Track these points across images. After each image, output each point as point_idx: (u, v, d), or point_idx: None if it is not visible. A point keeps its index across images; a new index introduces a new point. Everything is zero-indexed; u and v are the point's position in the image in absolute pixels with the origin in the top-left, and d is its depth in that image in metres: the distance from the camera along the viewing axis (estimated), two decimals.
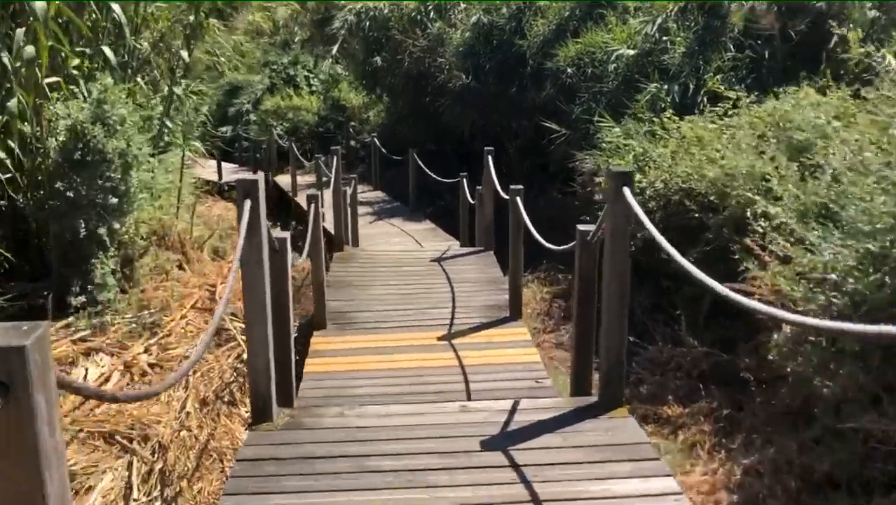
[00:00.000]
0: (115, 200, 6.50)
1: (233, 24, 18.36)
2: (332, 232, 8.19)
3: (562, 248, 4.25)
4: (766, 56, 9.37)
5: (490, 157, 7.61)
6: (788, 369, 4.08)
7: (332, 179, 7.76)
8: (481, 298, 6.24)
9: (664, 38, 9.97)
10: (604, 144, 9.39)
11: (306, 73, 23.19)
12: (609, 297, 3.22)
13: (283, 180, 15.06)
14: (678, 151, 7.16)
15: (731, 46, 9.44)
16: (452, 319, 5.67)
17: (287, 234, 3.86)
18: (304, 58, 23.56)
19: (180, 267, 8.26)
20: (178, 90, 8.62)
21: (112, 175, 6.46)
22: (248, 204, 3.13)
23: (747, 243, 4.74)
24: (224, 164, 19.55)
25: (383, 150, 13.52)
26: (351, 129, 20.14)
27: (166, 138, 8.52)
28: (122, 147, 6.47)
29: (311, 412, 3.56)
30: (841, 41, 9.15)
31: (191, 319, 6.98)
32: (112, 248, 6.75)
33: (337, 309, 5.88)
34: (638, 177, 7.18)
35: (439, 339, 5.28)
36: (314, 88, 22.92)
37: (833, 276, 3.92)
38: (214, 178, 17.93)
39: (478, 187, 8.26)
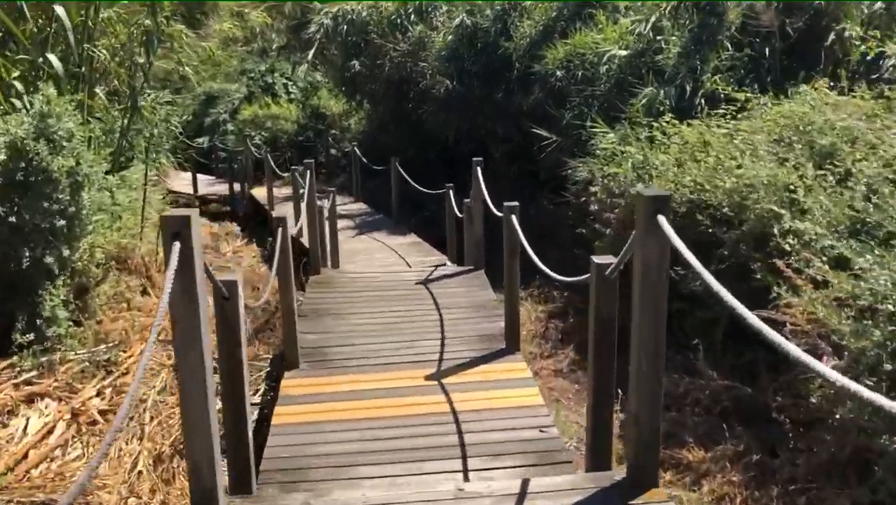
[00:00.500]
0: (63, 224, 5.84)
1: (205, 32, 17.64)
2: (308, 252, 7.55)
3: (572, 280, 3.65)
4: (766, 54, 8.86)
5: (479, 169, 7.02)
6: (837, 416, 3.50)
7: (306, 195, 7.09)
8: (473, 325, 5.63)
9: (658, 37, 9.43)
10: (598, 151, 8.84)
11: (284, 81, 22.54)
12: (641, 346, 2.60)
13: (260, 193, 14.38)
14: (683, 159, 6.60)
15: (729, 45, 8.93)
16: (442, 352, 5.05)
17: (237, 276, 3.15)
18: (281, 65, 22.92)
19: (144, 292, 7.60)
20: (142, 101, 7.96)
21: (60, 196, 5.80)
22: (177, 247, 2.45)
23: (776, 264, 4.16)
24: (200, 177, 18.85)
25: (363, 159, 12.89)
26: (331, 138, 19.52)
27: (128, 153, 7.86)
28: (70, 165, 5.81)
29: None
30: (839, 38, 8.68)
31: (152, 353, 6.32)
32: (63, 277, 6.08)
33: (311, 344, 5.25)
34: (639, 186, 6.61)
35: (427, 378, 4.66)
36: (293, 96, 22.29)
37: (889, 306, 3.34)
38: (189, 190, 17.24)
39: (466, 200, 7.66)
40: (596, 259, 3.02)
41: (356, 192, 13.41)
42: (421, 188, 9.97)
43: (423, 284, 6.70)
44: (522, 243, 4.67)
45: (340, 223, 11.19)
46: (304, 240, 7.94)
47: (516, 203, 5.18)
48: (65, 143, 5.80)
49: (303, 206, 7.49)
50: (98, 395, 5.36)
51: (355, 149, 13.15)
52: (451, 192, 8.92)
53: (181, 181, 17.81)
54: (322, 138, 17.37)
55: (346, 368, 4.90)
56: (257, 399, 5.85)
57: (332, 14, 13.22)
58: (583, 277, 3.27)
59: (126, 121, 8.02)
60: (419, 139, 13.85)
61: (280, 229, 4.74)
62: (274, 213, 10.83)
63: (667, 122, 7.39)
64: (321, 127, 20.21)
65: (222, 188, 18.28)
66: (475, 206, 6.99)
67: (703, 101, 8.86)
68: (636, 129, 8.49)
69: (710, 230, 5.34)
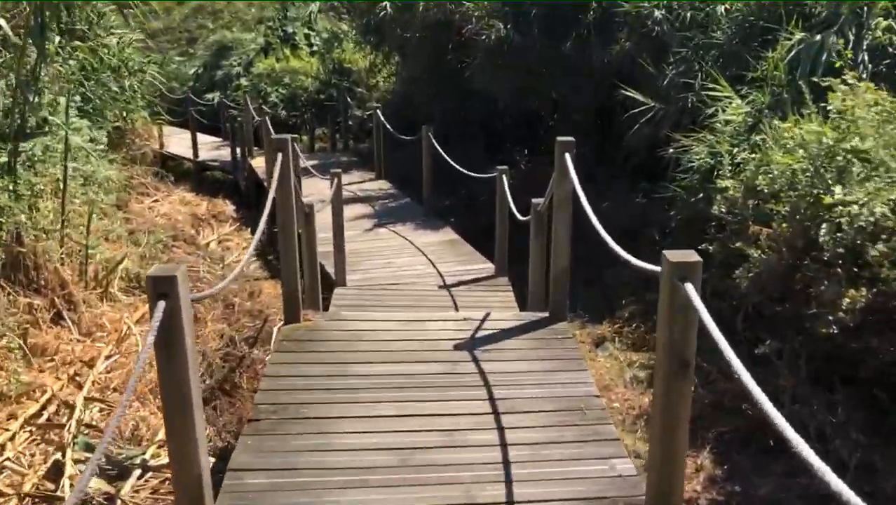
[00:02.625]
0: None
1: None
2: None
3: None
4: None
5: (569, 156, 4.40)
6: None
7: (273, 186, 4.24)
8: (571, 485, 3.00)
9: None
10: (718, 124, 6.18)
11: (306, 31, 19.87)
12: None
13: (261, 163, 11.85)
14: None
15: None
16: None
17: None
18: (303, 12, 20.23)
19: (57, 319, 5.19)
20: (51, 45, 5.41)
21: None
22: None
23: None
24: (206, 138, 16.42)
25: (387, 125, 10.22)
26: (355, 97, 16.88)
27: (34, 117, 5.35)
28: None
29: None
30: None
31: (26, 443, 3.92)
32: None
33: (254, 492, 2.74)
34: (838, 196, 3.95)
35: None
36: (315, 49, 19.60)
37: None
38: (190, 154, 14.81)
39: (535, 201, 5.06)
40: None
41: (379, 167, 10.79)
42: (461, 169, 7.36)
43: (468, 347, 4.03)
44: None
45: (356, 209, 8.68)
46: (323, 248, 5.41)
47: None
48: None
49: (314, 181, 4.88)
50: None
51: (378, 112, 10.48)
52: (504, 178, 6.32)
53: (182, 143, 15.37)
54: (345, 97, 14.67)
55: None
56: None
57: None
58: None
59: (23, 72, 5.41)
60: (459, 102, 11.20)
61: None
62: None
63: (860, 84, 4.68)
64: (346, 84, 17.57)
65: (229, 153, 15.87)
66: (559, 215, 4.35)
67: (865, 56, 6.19)
68: (783, 92, 5.82)
69: None
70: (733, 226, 5.11)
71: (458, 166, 7.50)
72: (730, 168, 5.59)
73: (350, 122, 15.19)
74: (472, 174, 7.22)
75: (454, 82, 10.81)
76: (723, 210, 5.24)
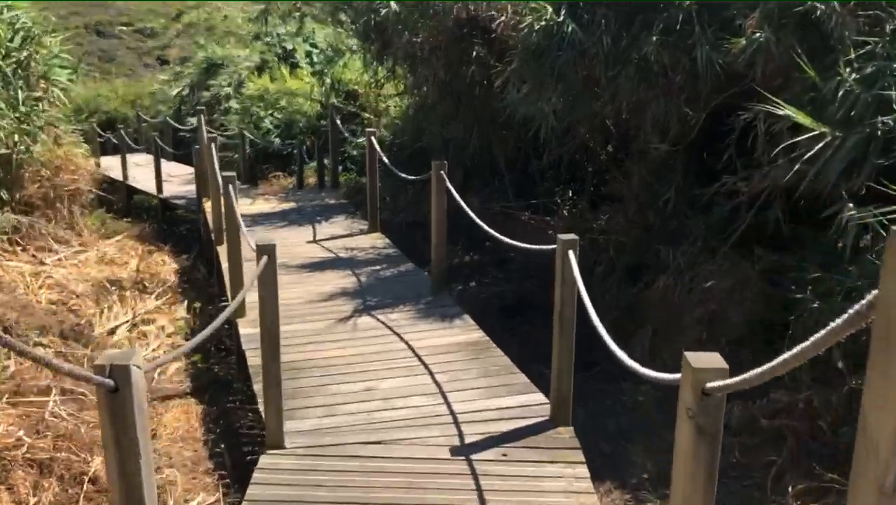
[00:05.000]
0: None
1: None
2: None
3: None
4: None
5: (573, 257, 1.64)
6: None
7: None
8: None
9: None
10: None
11: (308, 48, 17.34)
12: None
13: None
14: None
15: None
16: None
17: None
18: (305, 27, 17.70)
19: None
20: None
21: None
22: None
23: None
24: (180, 169, 13.85)
25: (385, 159, 7.32)
26: (361, 123, 14.21)
27: None
28: None
29: None
30: None
31: None
32: None
33: None
34: None
35: None
36: (318, 68, 17.02)
37: None
38: (151, 189, 12.16)
39: None
40: None
41: (372, 214, 7.87)
42: (489, 229, 4.58)
43: None
44: None
45: (330, 280, 5.77)
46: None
47: None
48: None
49: None
50: None
51: (372, 139, 7.63)
52: (571, 256, 3.54)
53: (148, 175, 12.77)
54: (334, 120, 11.90)
55: None
56: None
57: None
58: None
59: None
60: (484, 128, 8.55)
61: None
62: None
63: None
64: (351, 107, 14.92)
65: None
66: None
67: None
68: None
69: None
70: None
71: (485, 226, 4.70)
72: None
73: (346, 154, 12.48)
74: (510, 241, 4.40)
75: (478, 102, 8.15)
76: None
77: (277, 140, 14.84)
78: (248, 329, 4.92)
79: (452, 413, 3.89)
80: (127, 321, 6.03)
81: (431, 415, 3.88)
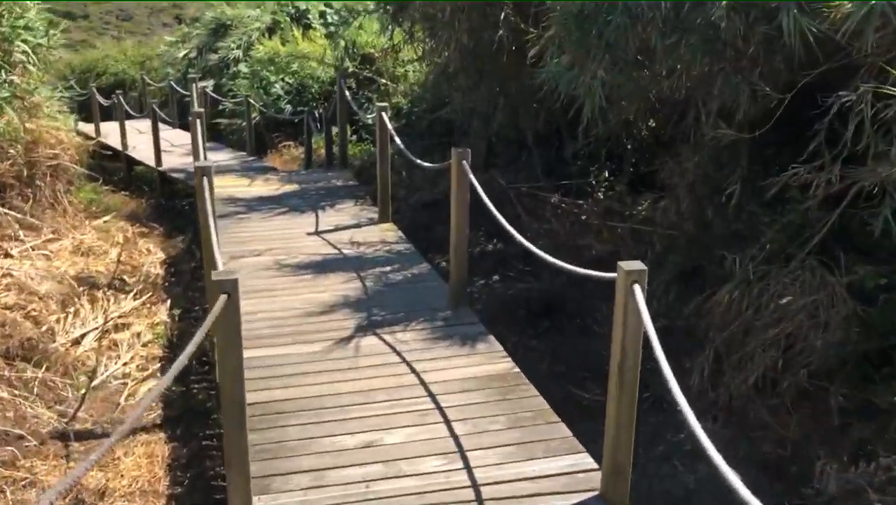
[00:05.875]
0: None
1: None
2: None
3: None
4: None
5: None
6: None
7: None
8: None
9: None
10: None
11: (322, 8, 16.29)
12: None
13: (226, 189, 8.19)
14: None
15: None
16: None
17: None
18: None
19: None
20: None
21: None
22: None
23: None
24: (183, 137, 12.99)
25: (398, 140, 6.26)
26: (378, 91, 13.23)
27: None
28: None
29: None
30: None
31: None
32: None
33: None
34: None
35: None
36: (332, 30, 15.97)
37: None
38: (151, 160, 11.31)
39: None
40: None
41: (383, 200, 6.78)
42: (536, 250, 3.66)
43: None
44: None
45: (331, 285, 4.93)
46: None
47: None
48: None
49: None
50: None
51: (383, 114, 6.63)
52: (638, 290, 2.62)
53: (150, 144, 11.90)
54: (342, 87, 10.86)
55: None
56: None
57: None
58: None
59: None
60: (513, 101, 7.64)
61: None
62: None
63: None
64: (368, 74, 13.92)
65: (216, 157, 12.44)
66: None
67: None
68: None
69: None
70: None
71: (512, 230, 3.79)
72: None
73: (360, 123, 11.52)
74: (556, 262, 3.47)
75: (504, 71, 7.21)
76: None
77: (289, 107, 13.93)
78: None
79: (474, 483, 3.04)
80: (97, 328, 5.23)
81: (447, 487, 3.03)
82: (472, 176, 4.33)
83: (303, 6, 16.46)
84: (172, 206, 10.18)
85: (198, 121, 6.73)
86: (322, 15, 16.11)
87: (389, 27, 8.62)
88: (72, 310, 5.25)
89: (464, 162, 4.37)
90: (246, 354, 4.06)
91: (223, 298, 2.59)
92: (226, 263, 5.90)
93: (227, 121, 15.08)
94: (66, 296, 5.39)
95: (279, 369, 3.96)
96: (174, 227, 8.75)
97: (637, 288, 2.59)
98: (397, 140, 6.20)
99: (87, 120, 16.13)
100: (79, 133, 16.11)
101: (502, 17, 6.92)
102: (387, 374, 3.97)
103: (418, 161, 5.73)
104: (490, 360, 4.15)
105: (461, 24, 7.10)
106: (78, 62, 22.92)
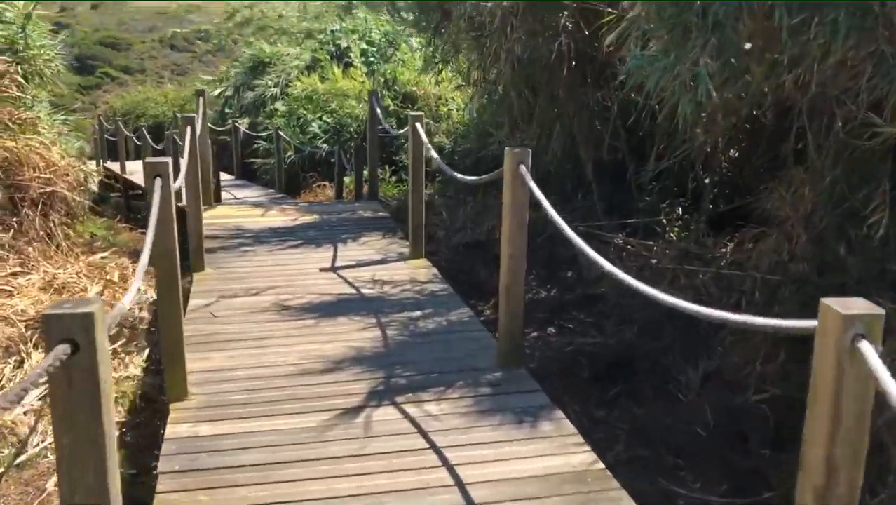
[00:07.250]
0: None
1: None
2: None
3: None
4: None
5: None
6: None
7: None
8: None
9: None
10: None
11: (364, 46, 15.55)
12: None
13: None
14: None
15: None
16: None
17: None
18: (360, 24, 16.02)
19: None
20: None
21: None
22: None
23: None
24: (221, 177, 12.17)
25: (433, 153, 4.87)
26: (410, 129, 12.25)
27: None
28: None
29: None
30: None
31: None
32: None
33: None
34: None
35: None
36: (374, 67, 15.21)
37: None
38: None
39: None
40: None
41: (414, 234, 5.36)
42: (618, 272, 2.45)
43: None
44: None
45: (347, 334, 3.61)
46: None
47: None
48: None
49: None
50: None
51: (418, 126, 5.28)
52: (865, 345, 1.30)
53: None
54: (376, 116, 9.86)
55: None
56: None
57: None
58: None
59: None
60: (570, 125, 6.57)
61: None
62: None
63: None
64: (408, 111, 13.02)
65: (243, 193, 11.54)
66: None
67: None
68: None
69: None
70: None
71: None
72: None
73: (398, 162, 10.53)
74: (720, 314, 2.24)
75: (563, 90, 6.14)
76: None
77: (325, 146, 13.07)
78: (181, 426, 2.91)
79: None
80: (43, 382, 4.13)
81: None
82: (532, 184, 3.13)
83: (344, 44, 15.77)
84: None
85: (188, 127, 5.74)
86: (363, 53, 15.38)
87: (432, 42, 7.60)
88: (13, 360, 4.16)
89: (521, 166, 3.19)
90: (200, 429, 2.91)
91: (61, 348, 1.48)
92: (209, 304, 4.79)
93: (262, 161, 14.31)
94: (12, 341, 4.31)
95: (263, 453, 2.75)
96: (185, 266, 7.74)
97: (865, 346, 1.36)
98: (433, 152, 5.05)
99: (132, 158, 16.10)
100: (107, 170, 15.63)
101: (562, 22, 5.86)
102: (407, 467, 2.70)
103: (458, 175, 4.56)
104: (560, 447, 2.84)
105: (514, 31, 6.04)
106: (119, 105, 23.08)
